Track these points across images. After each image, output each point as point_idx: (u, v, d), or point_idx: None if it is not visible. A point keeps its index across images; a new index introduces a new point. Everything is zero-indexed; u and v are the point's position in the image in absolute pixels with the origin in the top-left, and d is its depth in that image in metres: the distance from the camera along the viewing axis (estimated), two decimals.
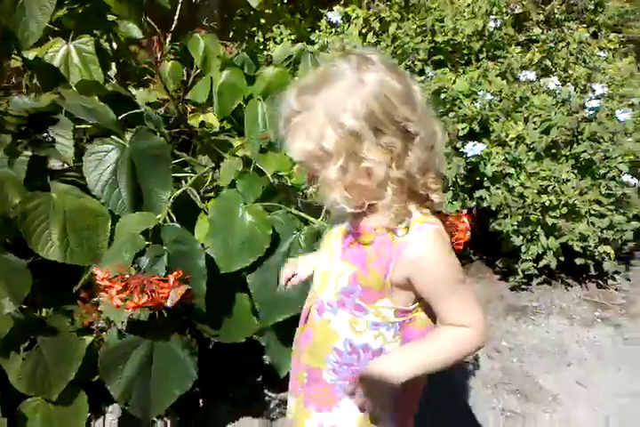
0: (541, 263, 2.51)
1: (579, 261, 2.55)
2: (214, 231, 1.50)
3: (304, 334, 1.16)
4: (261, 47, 2.82)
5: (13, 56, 1.93)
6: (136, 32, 2.19)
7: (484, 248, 2.78)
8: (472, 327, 1.01)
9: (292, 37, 2.77)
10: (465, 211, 2.24)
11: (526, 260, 2.51)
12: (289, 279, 1.24)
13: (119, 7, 1.88)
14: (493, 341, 2.32)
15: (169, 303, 1.13)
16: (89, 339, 1.39)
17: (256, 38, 2.93)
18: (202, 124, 1.70)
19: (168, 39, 2.46)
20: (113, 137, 1.45)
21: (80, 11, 1.90)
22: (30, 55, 1.91)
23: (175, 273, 1.17)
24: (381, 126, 0.91)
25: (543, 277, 2.68)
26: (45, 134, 1.35)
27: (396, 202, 0.95)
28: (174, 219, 1.46)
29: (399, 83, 0.93)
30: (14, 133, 1.35)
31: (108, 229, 1.38)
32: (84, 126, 1.55)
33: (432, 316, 1.06)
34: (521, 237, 2.51)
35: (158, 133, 1.54)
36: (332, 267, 1.07)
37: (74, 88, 1.56)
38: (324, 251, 1.11)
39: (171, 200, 1.49)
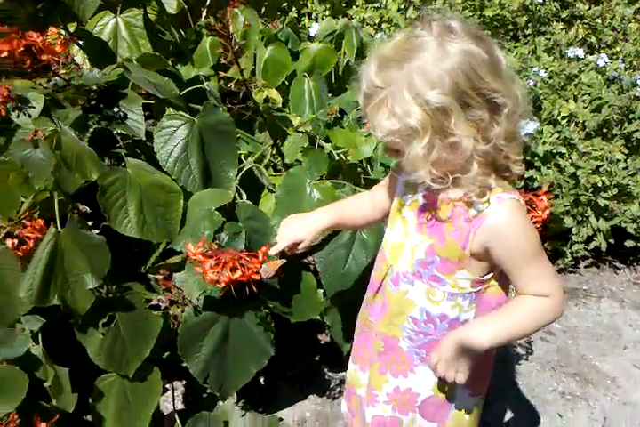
0: (591, 245, 2.46)
1: (628, 243, 2.50)
2: (282, 209, 1.45)
3: (379, 304, 1.15)
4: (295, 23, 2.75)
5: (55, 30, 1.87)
6: (169, 7, 2.14)
7: None
8: (550, 297, 1.01)
9: (327, 13, 2.70)
10: (544, 188, 2.17)
11: (576, 242, 2.46)
12: (294, 246, 1.17)
13: None
14: None
15: (265, 276, 1.09)
16: (162, 318, 1.35)
17: (290, 14, 2.86)
18: (266, 99, 1.65)
19: (203, 14, 2.40)
20: (181, 112, 1.40)
21: None
22: (71, 29, 1.86)
23: (264, 249, 1.12)
24: (469, 99, 0.87)
25: (591, 259, 2.63)
26: (117, 109, 1.29)
27: (480, 175, 0.94)
28: (244, 196, 1.42)
29: (484, 52, 0.88)
30: (85, 108, 1.30)
31: (181, 205, 1.33)
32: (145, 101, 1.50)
33: (504, 285, 1.06)
34: (572, 219, 2.45)
35: (221, 109, 1.48)
36: (407, 239, 1.06)
37: (134, 61, 1.49)
38: (396, 222, 1.09)
39: (238, 177, 1.45)
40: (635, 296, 2.47)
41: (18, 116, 1.38)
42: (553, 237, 2.61)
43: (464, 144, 0.89)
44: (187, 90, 1.51)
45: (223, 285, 1.07)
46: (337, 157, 1.53)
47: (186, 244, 1.14)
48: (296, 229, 1.16)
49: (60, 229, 1.20)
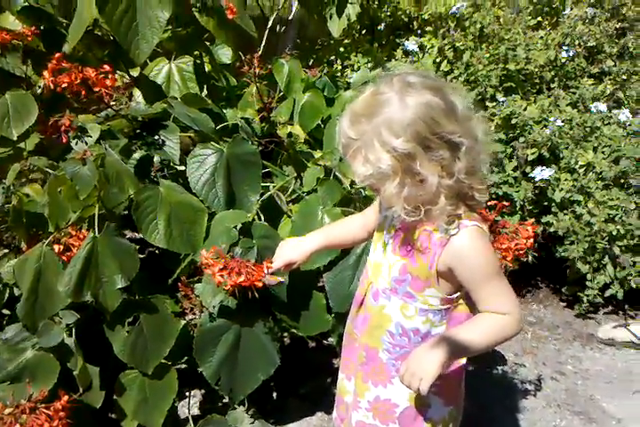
0: (608, 293, 2.50)
1: None
2: (297, 231, 1.62)
3: (361, 318, 1.29)
4: (339, 74, 2.99)
5: (120, 73, 2.15)
6: (225, 58, 2.41)
7: (550, 275, 2.79)
8: (509, 315, 1.12)
9: (369, 65, 2.92)
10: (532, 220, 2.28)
11: (592, 288, 2.51)
12: (288, 266, 1.32)
13: (219, 33, 2.06)
14: (558, 364, 2.33)
15: (267, 283, 1.26)
16: (182, 322, 1.52)
17: (334, 66, 3.10)
18: (289, 135, 1.85)
19: (254, 64, 2.66)
20: (212, 143, 1.61)
21: (183, 33, 2.12)
22: (134, 73, 2.14)
23: (268, 260, 1.29)
24: (429, 143, 1.02)
25: (610, 307, 2.66)
26: (157, 137, 1.52)
27: (448, 205, 1.08)
28: (262, 218, 1.60)
29: (440, 99, 1.03)
30: (129, 136, 1.53)
31: (205, 222, 1.53)
32: (184, 135, 1.72)
33: (472, 304, 1.18)
34: (587, 266, 2.51)
35: (250, 142, 1.69)
36: (385, 259, 1.21)
37: (179, 100, 1.73)
38: (377, 244, 1.25)
39: (259, 202, 1.64)
40: None
41: (76, 144, 1.62)
42: (571, 283, 2.67)
43: (430, 181, 1.03)
44: (221, 125, 1.73)
45: (229, 287, 1.24)
46: (349, 188, 1.70)
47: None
48: (290, 252, 1.32)
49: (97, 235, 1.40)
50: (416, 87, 1.03)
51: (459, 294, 1.17)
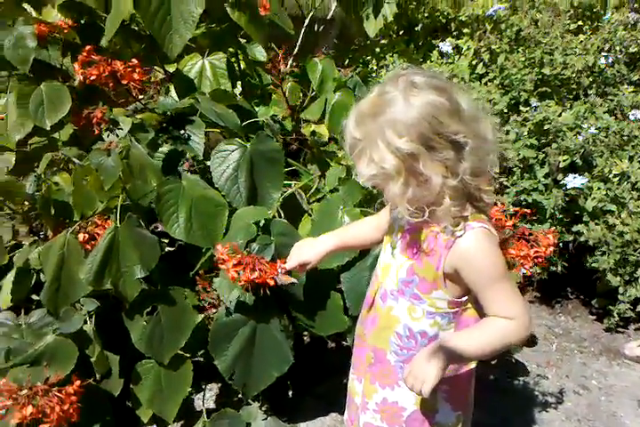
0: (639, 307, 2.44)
1: None
2: (316, 229, 1.62)
3: (370, 318, 1.28)
4: (374, 75, 2.98)
5: (156, 68, 2.19)
6: (260, 55, 2.43)
7: (581, 287, 2.73)
8: (515, 319, 1.10)
9: (404, 66, 2.90)
10: (553, 229, 2.23)
11: (622, 302, 2.44)
12: (302, 266, 1.32)
13: (250, 29, 2.08)
14: (582, 378, 2.28)
15: (279, 282, 1.27)
16: (200, 316, 1.54)
17: (370, 66, 3.10)
18: (313, 133, 1.86)
19: (289, 62, 2.67)
20: (237, 139, 1.63)
21: (216, 30, 2.15)
22: (170, 69, 2.17)
23: (282, 260, 1.30)
24: (433, 143, 1.01)
25: None
26: (183, 132, 1.54)
27: (453, 206, 1.07)
28: (282, 215, 1.61)
29: (445, 99, 1.02)
30: (157, 129, 1.55)
31: (226, 217, 1.54)
32: (215, 130, 1.74)
33: (479, 311, 1.16)
34: (619, 278, 2.45)
35: (275, 139, 1.70)
36: (393, 260, 1.20)
37: (207, 95, 1.75)
38: (387, 245, 1.24)
39: (280, 199, 1.64)
40: None
41: (108, 136, 1.66)
42: (601, 295, 2.61)
43: (434, 181, 1.03)
44: (247, 122, 1.74)
45: (242, 283, 1.25)
46: (369, 188, 1.69)
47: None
48: (304, 253, 1.33)
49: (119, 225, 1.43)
50: (421, 87, 1.02)
51: (467, 297, 1.16)
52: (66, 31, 1.73)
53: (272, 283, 1.27)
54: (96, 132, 1.63)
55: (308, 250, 1.32)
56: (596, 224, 2.43)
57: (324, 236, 1.36)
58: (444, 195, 1.05)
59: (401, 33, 3.21)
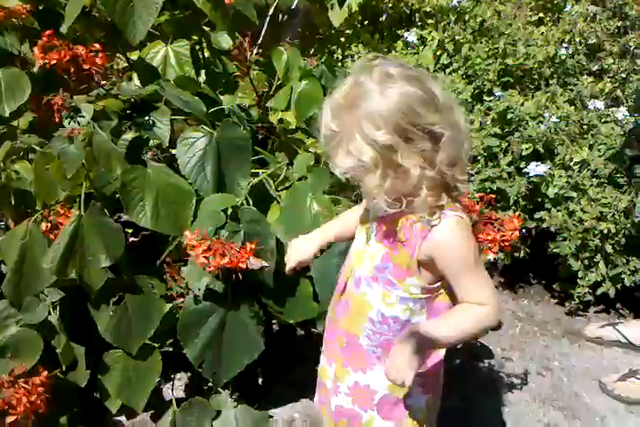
0: (599, 291, 2.50)
1: (638, 293, 2.52)
2: (284, 217, 1.63)
3: (342, 303, 1.30)
4: (339, 64, 2.98)
5: (118, 56, 2.15)
6: (225, 43, 2.40)
7: (543, 272, 2.79)
8: (488, 304, 1.13)
9: (370, 55, 2.91)
10: (518, 213, 2.28)
11: (583, 286, 2.51)
12: (299, 264, 1.37)
13: (215, 17, 2.06)
14: (545, 360, 2.34)
15: (250, 266, 1.27)
16: (168, 305, 1.53)
17: (335, 56, 3.10)
18: (280, 121, 1.85)
19: (254, 51, 2.66)
20: (203, 126, 1.61)
21: (180, 17, 2.12)
22: (132, 57, 2.13)
23: (252, 244, 1.29)
24: (410, 134, 1.02)
25: (601, 305, 2.66)
26: (147, 118, 1.52)
27: (430, 196, 1.08)
28: (251, 203, 1.61)
29: (420, 90, 1.03)
30: (120, 115, 1.53)
31: (193, 205, 1.53)
32: (179, 117, 1.72)
33: (452, 297, 1.19)
34: (579, 263, 2.51)
35: (242, 127, 1.69)
36: (368, 246, 1.22)
37: (172, 82, 1.73)
38: (362, 232, 1.26)
39: (248, 187, 1.64)
40: None
41: (69, 123, 1.62)
42: (563, 280, 2.67)
43: (412, 173, 1.04)
44: (213, 109, 1.73)
45: (212, 269, 1.24)
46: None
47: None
48: (301, 252, 1.36)
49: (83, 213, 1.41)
50: (396, 78, 1.02)
51: (440, 283, 1.18)
52: (24, 17, 1.68)
53: (243, 267, 1.27)
54: (57, 119, 1.59)
55: (304, 249, 1.35)
56: (558, 211, 2.49)
57: (315, 232, 1.39)
58: (421, 185, 1.07)
59: (366, 23, 3.22)
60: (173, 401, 1.73)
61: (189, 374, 2.01)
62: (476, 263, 1.13)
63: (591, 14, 2.89)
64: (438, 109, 1.04)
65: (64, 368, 1.50)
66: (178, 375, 1.95)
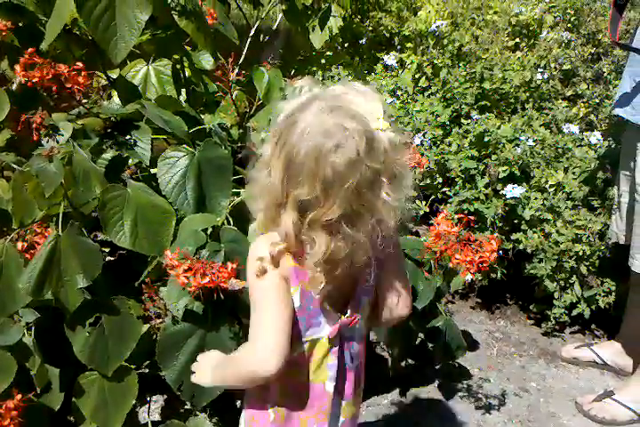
0: (574, 312, 2.53)
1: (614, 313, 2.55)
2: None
3: None
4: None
5: (99, 74, 2.14)
6: (206, 63, 2.41)
7: (519, 293, 2.82)
8: (254, 350, 1.11)
9: (349, 78, 2.95)
10: (496, 235, 2.31)
11: (558, 306, 2.54)
12: None
13: (198, 37, 2.07)
14: (522, 380, 2.35)
15: (231, 287, 1.26)
16: (145, 326, 1.50)
17: (316, 77, 3.13)
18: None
19: (235, 71, 2.67)
20: (184, 146, 1.61)
21: (162, 36, 2.12)
22: (113, 75, 2.13)
23: (234, 262, 1.29)
24: None
25: (576, 326, 2.69)
26: (128, 137, 1.51)
27: None
28: (232, 223, 1.60)
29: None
30: (101, 134, 1.52)
31: (173, 225, 1.51)
32: (159, 136, 1.72)
33: None
34: (555, 284, 2.54)
35: (223, 147, 1.69)
36: None
37: (153, 101, 1.73)
38: None
39: (229, 206, 1.63)
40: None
41: (47, 142, 1.60)
42: (539, 301, 2.70)
43: None
44: (194, 129, 1.73)
45: (193, 289, 1.23)
46: None
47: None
48: None
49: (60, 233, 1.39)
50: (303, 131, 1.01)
51: None
52: (4, 34, 1.67)
53: (225, 286, 1.26)
54: (35, 137, 1.58)
55: None
56: (534, 232, 2.53)
57: None
58: None
59: (346, 45, 3.26)
60: (149, 425, 1.70)
61: (165, 396, 1.97)
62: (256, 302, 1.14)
63: (566, 40, 2.97)
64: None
65: (38, 391, 1.46)
66: (154, 398, 1.92)
